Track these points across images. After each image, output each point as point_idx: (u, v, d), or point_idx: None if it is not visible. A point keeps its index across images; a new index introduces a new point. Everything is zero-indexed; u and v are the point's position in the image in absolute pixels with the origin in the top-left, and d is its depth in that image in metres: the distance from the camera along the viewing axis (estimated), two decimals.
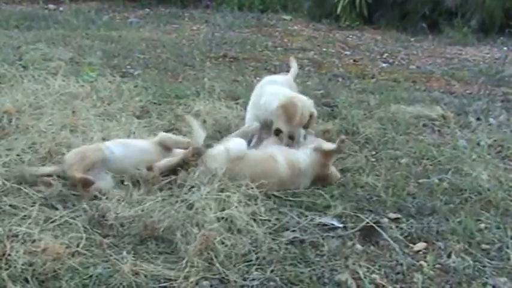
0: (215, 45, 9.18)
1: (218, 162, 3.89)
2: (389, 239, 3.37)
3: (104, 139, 4.49)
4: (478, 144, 5.03)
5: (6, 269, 2.85)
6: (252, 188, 3.73)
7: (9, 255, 2.94)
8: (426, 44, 10.12)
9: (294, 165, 4.03)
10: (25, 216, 3.40)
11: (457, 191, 4.09)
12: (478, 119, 5.80)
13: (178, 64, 7.80)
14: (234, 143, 4.13)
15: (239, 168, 3.87)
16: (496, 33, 10.58)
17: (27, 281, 2.80)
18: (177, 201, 3.58)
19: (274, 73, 7.58)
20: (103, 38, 9.34)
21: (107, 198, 3.62)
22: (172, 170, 3.98)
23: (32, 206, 3.52)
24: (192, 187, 3.73)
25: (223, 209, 3.49)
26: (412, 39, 10.48)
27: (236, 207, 3.49)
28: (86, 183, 3.66)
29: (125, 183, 3.78)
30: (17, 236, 3.15)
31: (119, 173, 3.90)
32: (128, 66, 7.51)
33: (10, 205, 3.51)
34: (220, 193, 3.64)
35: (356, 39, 10.58)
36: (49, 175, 3.87)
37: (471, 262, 3.18)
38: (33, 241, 3.10)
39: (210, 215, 3.39)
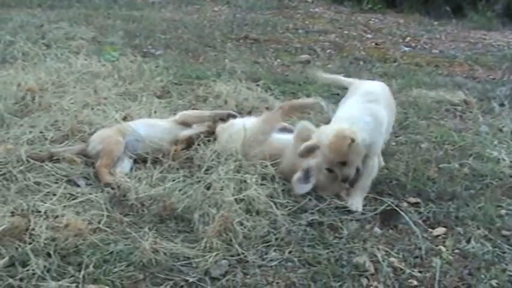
0: (236, 27, 9.16)
1: (235, 140, 3.91)
2: (410, 222, 3.35)
3: (124, 119, 4.53)
4: (501, 130, 4.99)
5: (30, 243, 2.90)
6: (267, 166, 3.75)
7: (33, 230, 3.00)
8: (449, 28, 9.99)
9: None
10: (48, 192, 3.45)
11: (478, 176, 4.06)
12: (501, 104, 5.73)
13: (199, 45, 7.81)
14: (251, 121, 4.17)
15: (256, 152, 3.87)
16: None
17: (49, 255, 2.85)
18: (195, 182, 3.60)
19: (295, 55, 7.59)
20: (125, 17, 9.39)
21: (129, 178, 3.67)
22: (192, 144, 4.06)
23: (55, 183, 3.58)
24: (210, 167, 3.76)
25: (241, 190, 3.50)
26: (436, 23, 10.34)
27: (255, 188, 3.50)
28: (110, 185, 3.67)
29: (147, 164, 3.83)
30: (40, 211, 3.21)
31: (144, 151, 3.96)
32: (149, 46, 7.54)
33: (34, 182, 3.57)
34: (237, 173, 3.66)
35: (378, 22, 10.47)
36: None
37: (490, 248, 3.16)
38: (56, 217, 3.16)
39: (228, 196, 3.40)
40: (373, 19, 10.67)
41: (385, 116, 3.73)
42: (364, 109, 3.67)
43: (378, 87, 4.07)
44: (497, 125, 5.12)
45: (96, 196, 3.47)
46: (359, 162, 3.60)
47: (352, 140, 3.46)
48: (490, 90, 6.23)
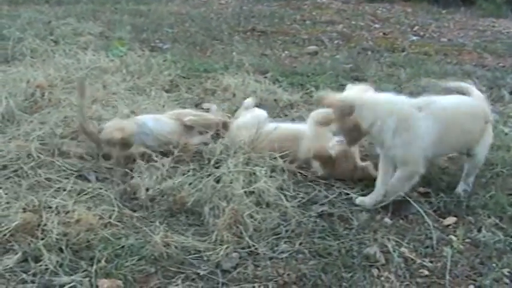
0: (243, 19, 9.15)
1: (246, 132, 3.93)
2: (421, 211, 3.34)
3: (133, 113, 4.54)
4: (511, 117, 4.95)
5: (42, 239, 2.92)
6: (276, 158, 3.74)
7: (44, 225, 3.02)
8: (458, 16, 9.92)
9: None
10: (59, 188, 3.47)
11: (488, 165, 4.02)
12: (511, 92, 5.69)
13: (206, 38, 7.81)
14: (260, 112, 4.20)
15: (265, 143, 3.88)
16: None
17: (61, 250, 2.87)
18: (204, 176, 3.61)
19: (303, 47, 7.57)
20: (132, 12, 9.40)
21: (140, 172, 3.68)
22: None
23: (66, 179, 3.60)
24: (220, 161, 3.76)
25: (250, 182, 3.50)
26: (444, 11, 10.28)
27: (264, 181, 3.50)
28: (125, 144, 3.67)
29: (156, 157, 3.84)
30: (51, 207, 3.23)
31: (152, 144, 3.97)
32: (157, 41, 7.54)
33: (45, 178, 3.59)
34: (246, 166, 3.65)
35: (386, 11, 10.42)
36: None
37: (502, 237, 3.15)
38: (67, 212, 3.17)
39: (238, 189, 3.40)
40: (380, 8, 10.62)
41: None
42: None
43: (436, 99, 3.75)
44: (508, 112, 5.09)
45: (107, 191, 3.49)
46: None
47: None
48: (500, 78, 6.19)
